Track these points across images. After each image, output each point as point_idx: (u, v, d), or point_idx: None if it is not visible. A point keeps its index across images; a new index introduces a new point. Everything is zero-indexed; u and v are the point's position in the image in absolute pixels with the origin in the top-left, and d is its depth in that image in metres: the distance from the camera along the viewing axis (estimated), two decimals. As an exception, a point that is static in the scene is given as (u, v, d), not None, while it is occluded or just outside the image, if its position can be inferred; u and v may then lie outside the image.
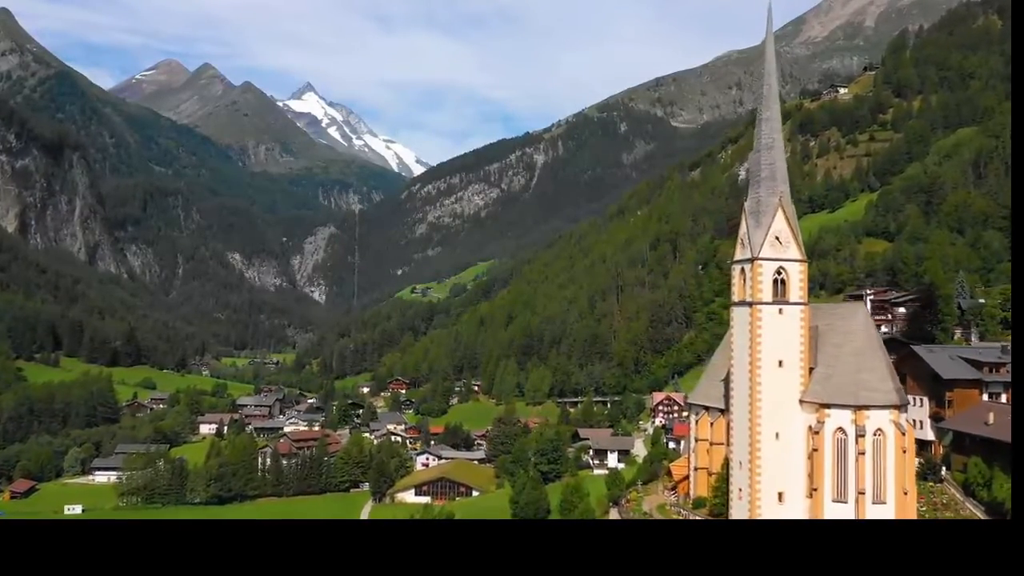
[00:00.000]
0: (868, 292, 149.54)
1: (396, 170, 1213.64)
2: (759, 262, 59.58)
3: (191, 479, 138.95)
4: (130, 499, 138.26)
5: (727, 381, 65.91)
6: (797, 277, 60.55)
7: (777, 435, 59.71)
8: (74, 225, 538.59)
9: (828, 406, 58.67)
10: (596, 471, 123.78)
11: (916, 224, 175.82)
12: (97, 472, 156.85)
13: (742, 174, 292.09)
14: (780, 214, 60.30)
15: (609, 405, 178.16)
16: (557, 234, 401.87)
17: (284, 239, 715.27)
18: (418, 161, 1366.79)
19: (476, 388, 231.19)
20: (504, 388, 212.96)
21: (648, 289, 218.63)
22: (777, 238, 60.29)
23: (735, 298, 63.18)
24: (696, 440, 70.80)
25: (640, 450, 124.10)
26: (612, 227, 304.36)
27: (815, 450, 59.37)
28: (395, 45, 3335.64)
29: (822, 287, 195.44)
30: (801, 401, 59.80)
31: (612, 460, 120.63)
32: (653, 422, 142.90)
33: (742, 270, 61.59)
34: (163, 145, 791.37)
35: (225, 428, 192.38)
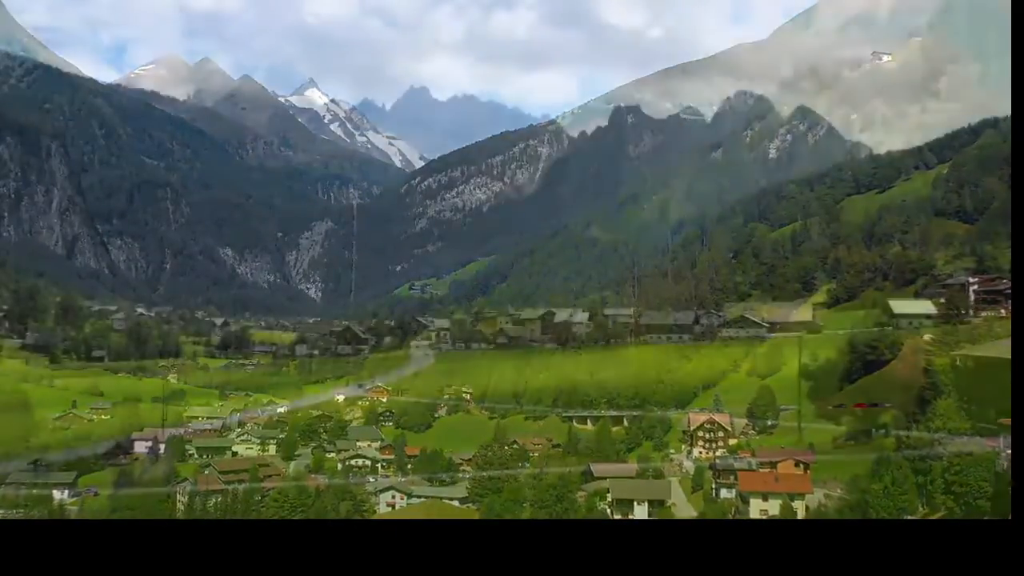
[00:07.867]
0: (972, 280, 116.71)
1: (399, 166, 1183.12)
2: None
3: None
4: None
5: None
6: None
7: None
8: (51, 217, 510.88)
9: None
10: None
11: (1004, 200, 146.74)
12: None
13: (772, 152, 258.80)
14: None
15: (626, 422, 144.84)
16: (562, 225, 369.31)
17: (279, 234, 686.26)
18: (421, 158, 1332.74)
19: (467, 397, 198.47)
20: (499, 398, 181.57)
21: (671, 280, 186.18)
22: None
23: None
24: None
25: (679, 497, 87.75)
26: (625, 213, 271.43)
27: None
28: (399, 42, 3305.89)
29: (886, 277, 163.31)
30: None
31: (641, 512, 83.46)
32: (690, 453, 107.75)
33: None
34: (157, 138, 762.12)
35: (161, 447, 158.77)
